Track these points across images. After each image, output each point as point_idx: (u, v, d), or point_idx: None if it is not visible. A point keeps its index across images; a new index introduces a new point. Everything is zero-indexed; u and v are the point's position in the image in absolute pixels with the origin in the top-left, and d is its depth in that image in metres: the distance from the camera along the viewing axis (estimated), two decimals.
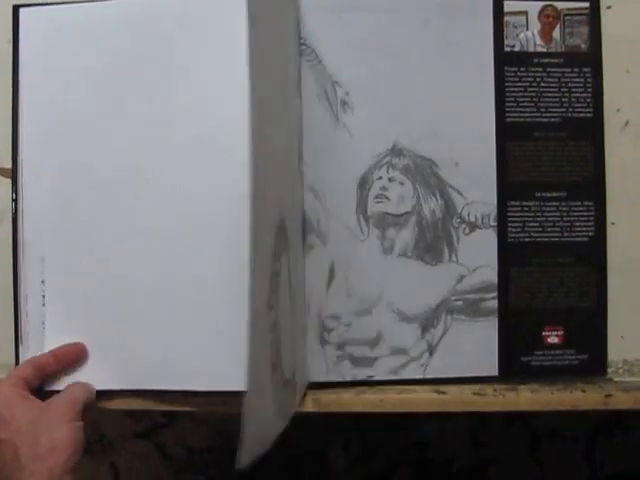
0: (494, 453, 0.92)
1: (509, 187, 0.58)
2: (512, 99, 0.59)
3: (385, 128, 0.58)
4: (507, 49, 0.59)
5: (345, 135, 0.58)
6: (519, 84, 0.59)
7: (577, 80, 0.59)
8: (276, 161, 0.47)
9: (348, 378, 0.57)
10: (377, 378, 0.58)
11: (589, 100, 0.59)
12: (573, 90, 0.59)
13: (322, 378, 0.57)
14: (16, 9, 0.58)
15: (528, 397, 0.57)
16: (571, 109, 0.59)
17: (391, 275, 0.58)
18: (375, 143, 0.58)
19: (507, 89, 0.59)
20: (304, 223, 0.57)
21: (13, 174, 0.57)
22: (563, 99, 0.59)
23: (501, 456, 0.92)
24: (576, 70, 0.59)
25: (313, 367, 0.57)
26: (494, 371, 0.58)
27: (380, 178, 0.58)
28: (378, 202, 0.58)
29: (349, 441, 0.90)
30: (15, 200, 0.57)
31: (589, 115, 0.59)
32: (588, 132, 0.59)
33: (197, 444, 0.97)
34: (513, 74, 0.59)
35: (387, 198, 0.58)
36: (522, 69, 0.59)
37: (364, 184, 0.58)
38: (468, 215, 0.58)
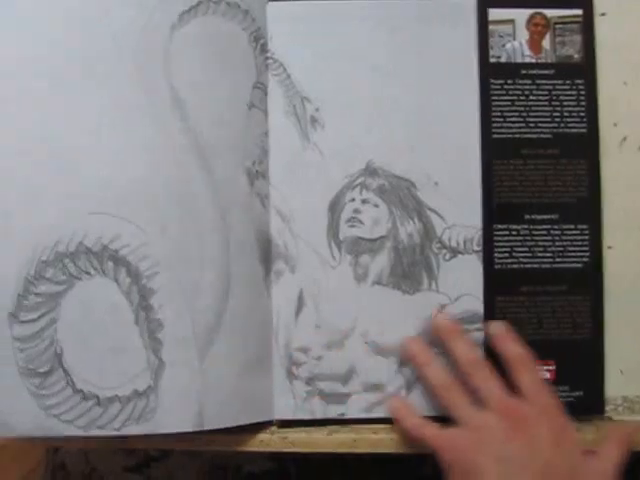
0: None
1: (495, 209, 0.57)
2: (499, 114, 0.58)
3: (358, 146, 0.57)
4: (492, 60, 0.58)
5: (315, 154, 0.57)
6: (506, 97, 0.58)
7: (570, 93, 0.58)
8: None
9: (318, 416, 0.56)
10: (350, 416, 0.56)
11: (583, 114, 0.57)
12: (565, 104, 0.58)
13: (290, 415, 0.56)
14: None
15: None
16: (563, 124, 0.58)
17: (365, 304, 0.57)
18: (347, 162, 0.57)
19: (493, 103, 0.58)
20: (269, 248, 0.57)
21: None
22: (554, 113, 0.58)
23: None
24: (568, 82, 0.58)
25: (280, 403, 0.56)
26: None
27: (353, 200, 0.57)
28: (351, 226, 0.57)
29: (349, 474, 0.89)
30: None
31: (583, 130, 0.57)
32: (582, 149, 0.57)
33: None
34: (499, 87, 0.58)
35: (360, 222, 0.57)
36: (509, 81, 0.58)
37: (335, 207, 0.57)
38: (449, 239, 0.57)
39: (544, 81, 0.58)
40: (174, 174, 0.52)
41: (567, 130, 0.58)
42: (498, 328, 0.56)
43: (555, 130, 0.58)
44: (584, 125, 0.58)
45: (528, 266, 0.57)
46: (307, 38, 0.58)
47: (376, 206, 0.57)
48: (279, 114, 0.57)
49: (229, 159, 0.54)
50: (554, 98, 0.58)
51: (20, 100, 0.51)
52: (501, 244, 0.57)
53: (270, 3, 0.58)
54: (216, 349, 0.53)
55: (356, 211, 0.57)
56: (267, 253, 0.56)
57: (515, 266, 0.57)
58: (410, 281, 0.57)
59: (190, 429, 0.52)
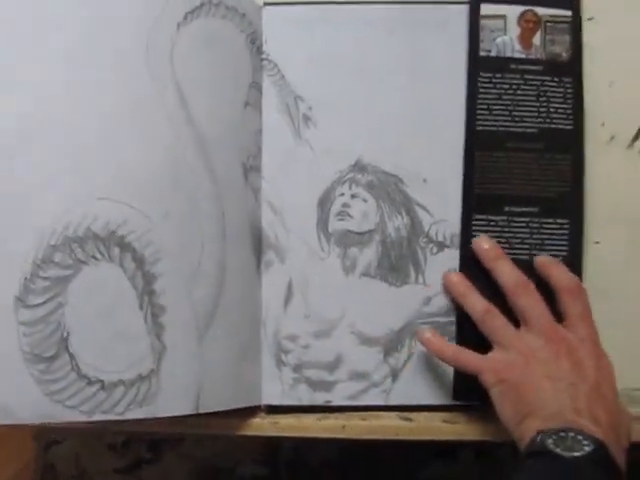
0: None
1: (475, 199, 0.59)
2: (485, 106, 0.59)
3: (349, 143, 0.59)
4: (482, 53, 0.59)
5: (307, 150, 0.59)
6: (493, 91, 0.59)
7: (557, 90, 0.59)
8: None
9: (305, 402, 0.59)
10: (335, 403, 0.59)
11: (569, 111, 0.59)
12: (552, 100, 0.59)
13: (277, 401, 0.59)
14: None
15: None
16: (549, 120, 0.59)
17: (352, 295, 0.59)
18: (338, 159, 0.59)
19: (480, 95, 0.59)
20: (260, 239, 0.59)
21: None
22: (541, 109, 0.59)
23: None
24: (556, 79, 0.59)
25: (268, 389, 0.59)
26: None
27: (342, 195, 0.59)
28: (340, 219, 0.59)
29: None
30: None
31: (569, 127, 0.59)
32: (566, 145, 0.59)
33: None
34: (487, 80, 0.59)
35: (349, 215, 0.59)
36: (497, 75, 0.59)
37: (326, 201, 0.59)
38: (436, 234, 0.59)
39: (532, 77, 0.59)
40: (179, 164, 0.54)
41: (553, 126, 0.59)
42: (549, 259, 0.57)
43: (541, 125, 0.59)
44: (570, 122, 0.59)
45: None
46: (301, 40, 0.59)
47: (365, 201, 0.59)
48: (273, 112, 0.59)
49: (226, 153, 0.56)
50: (541, 94, 0.59)
51: (35, 85, 0.51)
52: (479, 234, 0.59)
53: (266, 7, 0.60)
54: (212, 335, 0.55)
55: (345, 205, 0.59)
56: (259, 244, 0.59)
57: None
58: (397, 274, 0.59)
59: (188, 412, 0.54)
